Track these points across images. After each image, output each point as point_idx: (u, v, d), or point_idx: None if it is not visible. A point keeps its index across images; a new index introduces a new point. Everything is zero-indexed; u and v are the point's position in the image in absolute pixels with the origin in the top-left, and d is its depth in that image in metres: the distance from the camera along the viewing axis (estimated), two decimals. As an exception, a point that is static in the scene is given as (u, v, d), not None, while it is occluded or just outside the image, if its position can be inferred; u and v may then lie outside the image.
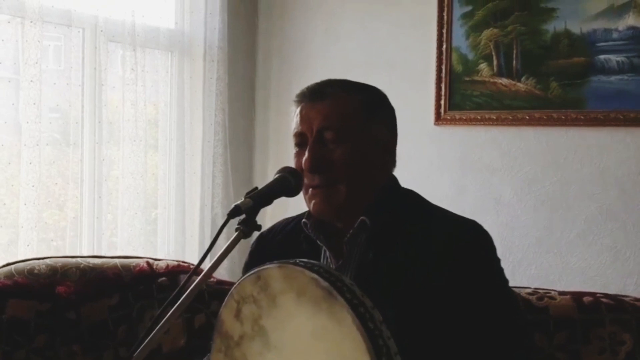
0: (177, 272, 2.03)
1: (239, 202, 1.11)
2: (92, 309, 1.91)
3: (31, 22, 2.41)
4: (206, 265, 1.07)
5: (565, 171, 2.52)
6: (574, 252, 2.50)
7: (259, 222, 1.12)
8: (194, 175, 3.06)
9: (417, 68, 2.86)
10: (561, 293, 1.77)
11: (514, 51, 2.60)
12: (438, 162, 2.82)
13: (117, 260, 2.06)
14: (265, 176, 3.27)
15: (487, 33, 2.66)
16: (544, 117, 2.55)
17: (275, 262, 0.93)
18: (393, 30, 2.94)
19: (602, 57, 2.41)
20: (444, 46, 2.75)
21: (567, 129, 2.52)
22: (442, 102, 2.77)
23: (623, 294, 1.83)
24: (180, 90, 3.02)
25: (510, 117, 2.62)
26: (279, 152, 3.24)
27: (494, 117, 2.66)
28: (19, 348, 1.80)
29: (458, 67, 2.74)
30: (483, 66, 2.68)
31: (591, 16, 2.43)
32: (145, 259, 2.09)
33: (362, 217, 1.26)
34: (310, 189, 1.28)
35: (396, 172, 1.37)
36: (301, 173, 1.26)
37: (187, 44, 3.04)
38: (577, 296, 1.73)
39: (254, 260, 1.40)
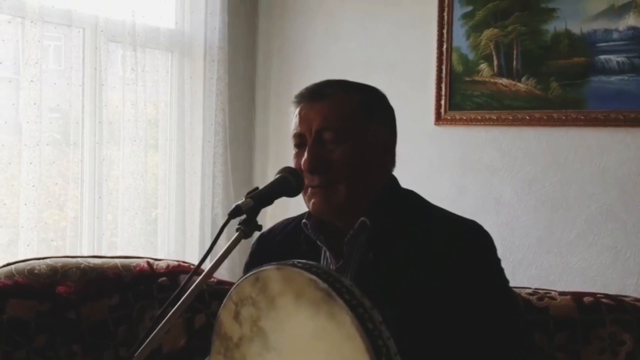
0: (178, 272, 2.03)
1: (239, 202, 1.11)
2: (92, 309, 1.91)
3: (31, 22, 2.41)
4: (207, 266, 1.07)
5: (566, 171, 2.52)
6: (574, 253, 2.50)
7: (259, 222, 1.12)
8: (194, 175, 3.06)
9: (418, 68, 2.86)
10: (561, 293, 1.77)
11: (515, 51, 2.60)
12: (438, 163, 2.82)
13: (117, 260, 2.06)
14: (265, 176, 3.27)
15: (487, 33, 2.66)
16: (544, 117, 2.55)
17: (274, 263, 0.93)
18: (393, 30, 2.94)
19: (602, 57, 2.41)
20: (445, 46, 2.75)
21: (567, 129, 2.52)
22: (443, 102, 2.77)
23: (623, 294, 1.83)
24: (181, 90, 3.02)
25: (511, 118, 2.62)
26: (279, 152, 3.24)
27: (494, 118, 2.66)
28: (19, 348, 1.80)
29: (458, 67, 2.74)
30: (483, 66, 2.68)
31: (591, 16, 2.43)
32: (146, 259, 2.09)
33: (362, 218, 1.26)
34: (310, 189, 1.28)
35: (396, 173, 1.37)
36: (301, 173, 1.26)
37: (187, 44, 3.04)
38: (577, 296, 1.74)
39: (254, 260, 1.40)
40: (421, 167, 2.82)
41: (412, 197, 1.34)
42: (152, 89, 2.89)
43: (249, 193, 1.14)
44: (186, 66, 3.04)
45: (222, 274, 2.63)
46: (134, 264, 2.04)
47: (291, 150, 1.34)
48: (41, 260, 2.00)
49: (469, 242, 1.22)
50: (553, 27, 2.52)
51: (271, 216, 1.87)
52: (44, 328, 1.84)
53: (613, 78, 2.40)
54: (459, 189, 2.76)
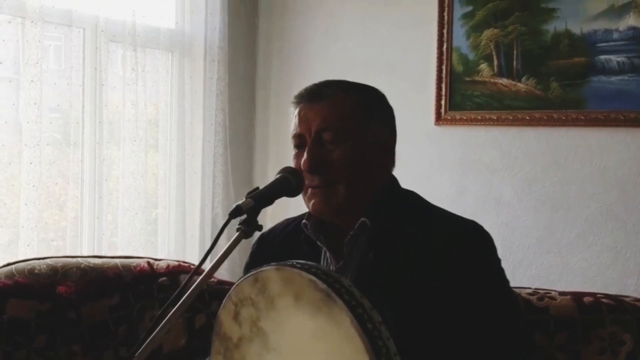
0: (178, 272, 2.03)
1: (240, 202, 1.11)
2: (92, 309, 1.91)
3: (32, 22, 2.41)
4: (207, 265, 1.07)
5: (566, 171, 2.52)
6: (574, 253, 2.50)
7: (259, 222, 1.12)
8: (195, 175, 3.06)
9: (418, 68, 2.86)
10: (561, 293, 1.77)
11: (515, 51, 2.60)
12: (438, 163, 2.82)
13: (117, 260, 2.06)
14: (265, 176, 3.27)
15: (487, 33, 2.66)
16: (545, 117, 2.55)
17: (273, 264, 0.93)
18: (393, 31, 2.94)
19: (602, 57, 2.41)
20: (445, 46, 2.75)
21: (567, 129, 2.52)
22: (443, 102, 2.77)
23: (623, 294, 1.83)
24: (181, 90, 3.02)
25: (511, 118, 2.62)
26: (279, 152, 3.24)
27: (495, 118, 2.66)
28: (19, 348, 1.80)
29: (458, 67, 2.74)
30: (483, 66, 2.68)
31: (592, 16, 2.43)
32: (146, 259, 2.09)
33: (362, 219, 1.26)
34: (310, 190, 1.28)
35: (396, 173, 1.37)
36: (302, 173, 1.26)
37: (187, 44, 3.04)
38: (577, 296, 1.74)
39: (255, 261, 1.40)
40: (421, 167, 2.82)
41: (412, 198, 1.34)
42: (152, 89, 2.89)
43: (249, 193, 1.15)
44: (186, 66, 3.04)
45: (222, 274, 2.63)
46: (134, 264, 2.04)
47: (291, 150, 1.34)
48: (41, 260, 2.00)
49: (469, 242, 1.22)
50: (553, 27, 2.52)
51: (271, 216, 1.87)
52: (44, 328, 1.84)
53: (613, 78, 2.40)
54: (459, 189, 2.76)
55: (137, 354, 0.97)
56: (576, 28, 2.46)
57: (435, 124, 2.81)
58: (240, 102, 3.29)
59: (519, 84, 2.60)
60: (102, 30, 2.66)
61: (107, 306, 1.93)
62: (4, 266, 1.96)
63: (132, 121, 2.76)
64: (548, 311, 1.70)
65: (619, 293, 1.82)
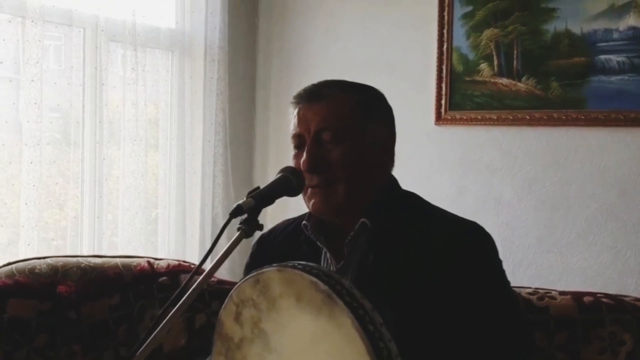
0: (178, 272, 2.03)
1: (241, 201, 1.11)
2: (92, 309, 1.91)
3: (32, 21, 2.41)
4: (207, 265, 1.07)
5: (566, 171, 2.53)
6: (574, 252, 2.50)
7: (260, 222, 1.12)
8: (195, 175, 3.06)
9: (418, 68, 2.86)
10: (561, 293, 1.77)
11: (515, 51, 2.61)
12: (438, 162, 2.82)
13: (117, 260, 2.06)
14: (265, 176, 3.27)
15: (487, 33, 2.66)
16: (545, 117, 2.55)
17: (274, 265, 0.93)
18: (393, 31, 2.94)
19: (602, 57, 2.41)
20: (445, 46, 2.75)
21: (567, 129, 2.52)
22: (443, 102, 2.77)
23: (623, 294, 1.83)
24: (181, 90, 3.02)
25: (511, 117, 2.62)
26: (279, 152, 3.24)
27: (495, 117, 2.66)
28: (19, 347, 1.80)
29: (459, 67, 2.74)
30: (484, 66, 2.68)
31: (592, 16, 2.43)
32: (146, 259, 2.09)
33: (362, 219, 1.26)
34: (310, 189, 1.28)
35: (396, 173, 1.37)
36: (302, 173, 1.27)
37: (187, 44, 3.04)
38: (577, 296, 1.74)
39: (255, 261, 1.40)
40: (421, 167, 2.82)
41: (412, 198, 1.34)
42: (152, 89, 2.89)
43: (250, 192, 1.15)
44: (186, 66, 3.04)
45: (222, 273, 2.63)
46: (135, 264, 2.04)
47: (291, 150, 1.34)
48: (42, 260, 2.00)
49: (470, 243, 1.22)
50: (553, 27, 2.52)
51: (271, 216, 1.87)
52: (44, 327, 1.84)
53: (613, 78, 2.40)
54: (459, 189, 2.76)
55: (137, 353, 0.97)
56: (576, 28, 2.46)
57: (435, 123, 2.81)
58: (240, 102, 3.29)
59: (519, 83, 2.60)
60: (102, 30, 2.66)
61: (108, 306, 1.93)
62: (5, 265, 1.96)
63: (132, 121, 2.76)
64: (548, 311, 1.70)
65: (619, 293, 1.82)
